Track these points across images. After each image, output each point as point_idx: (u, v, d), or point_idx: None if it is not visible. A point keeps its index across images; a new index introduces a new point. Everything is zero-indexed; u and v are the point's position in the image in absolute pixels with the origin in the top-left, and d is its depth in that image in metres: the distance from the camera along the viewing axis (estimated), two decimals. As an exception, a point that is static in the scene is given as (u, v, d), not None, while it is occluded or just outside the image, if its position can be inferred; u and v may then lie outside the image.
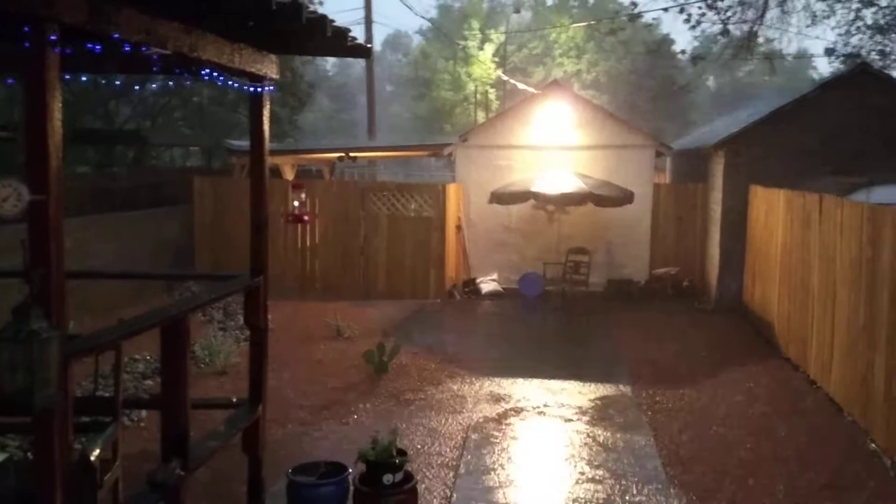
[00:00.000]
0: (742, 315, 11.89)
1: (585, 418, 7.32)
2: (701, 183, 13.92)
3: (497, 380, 8.49)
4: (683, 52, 18.02)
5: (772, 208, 10.66)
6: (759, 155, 12.02)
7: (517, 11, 29.61)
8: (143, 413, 6.74)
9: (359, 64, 34.11)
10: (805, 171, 11.30)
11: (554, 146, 13.99)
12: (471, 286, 13.81)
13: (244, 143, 14.01)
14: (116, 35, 3.23)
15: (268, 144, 5.14)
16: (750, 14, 13.82)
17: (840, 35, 15.78)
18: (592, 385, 8.38)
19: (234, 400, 5.33)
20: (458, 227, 14.00)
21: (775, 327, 10.16)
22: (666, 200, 14.16)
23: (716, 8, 14.08)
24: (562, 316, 12.38)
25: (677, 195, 14.29)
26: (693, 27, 15.08)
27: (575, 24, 32.68)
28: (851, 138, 11.56)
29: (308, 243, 13.65)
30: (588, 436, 6.84)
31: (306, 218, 9.93)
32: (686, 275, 13.65)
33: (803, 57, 36.90)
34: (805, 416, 7.40)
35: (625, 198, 12.66)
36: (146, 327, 3.77)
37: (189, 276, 12.30)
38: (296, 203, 8.16)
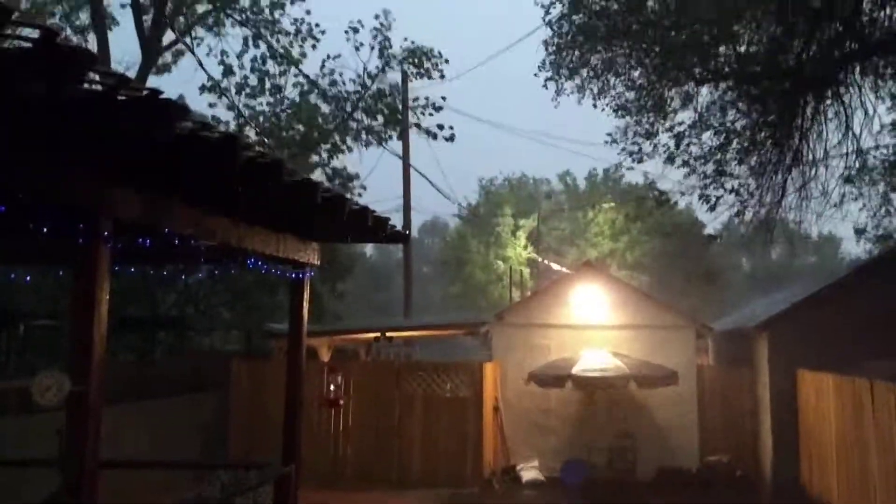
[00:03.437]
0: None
1: None
2: (745, 366, 13.50)
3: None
4: (708, 236, 18.13)
5: (821, 393, 10.32)
6: (802, 337, 11.81)
7: (549, 198, 30.87)
8: None
9: (396, 247, 35.25)
10: (849, 353, 10.96)
11: (592, 325, 13.92)
12: (511, 473, 13.23)
13: (283, 326, 14.19)
14: (167, 229, 3.39)
15: (306, 328, 5.22)
16: (768, 198, 13.89)
17: (870, 217, 15.86)
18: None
19: None
20: (496, 409, 13.66)
21: (838, 519, 9.48)
22: (711, 384, 13.76)
23: (735, 191, 14.19)
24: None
25: (723, 378, 13.91)
26: (711, 209, 15.14)
27: (606, 205, 33.75)
28: (891, 321, 11.31)
29: (341, 426, 13.38)
30: None
31: (341, 402, 9.80)
32: (738, 461, 12.94)
33: (831, 238, 37.08)
34: None
35: (668, 377, 12.31)
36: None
37: (220, 465, 12.02)
38: (332, 387, 8.11)
